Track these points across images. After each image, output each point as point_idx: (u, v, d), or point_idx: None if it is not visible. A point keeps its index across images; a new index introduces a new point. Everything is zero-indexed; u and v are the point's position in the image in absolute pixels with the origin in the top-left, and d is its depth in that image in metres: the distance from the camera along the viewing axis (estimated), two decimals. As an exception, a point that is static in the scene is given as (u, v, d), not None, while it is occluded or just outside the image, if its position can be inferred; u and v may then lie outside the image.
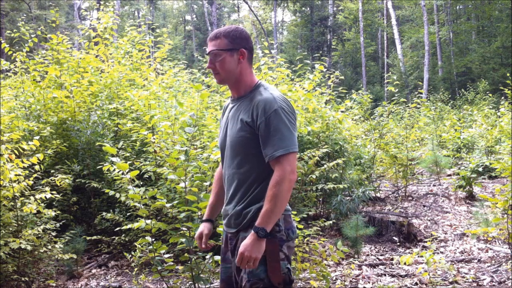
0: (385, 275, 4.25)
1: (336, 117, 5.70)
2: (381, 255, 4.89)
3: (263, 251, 1.87)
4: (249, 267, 1.88)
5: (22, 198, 3.74)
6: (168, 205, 3.12)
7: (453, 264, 4.34)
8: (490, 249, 4.83)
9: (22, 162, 3.64)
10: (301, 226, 3.53)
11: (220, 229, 2.70)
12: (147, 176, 4.54)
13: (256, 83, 2.05)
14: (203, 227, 2.25)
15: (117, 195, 3.80)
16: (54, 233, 3.97)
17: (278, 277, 1.89)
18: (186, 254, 3.07)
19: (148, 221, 3.01)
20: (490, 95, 15.77)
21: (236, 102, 2.06)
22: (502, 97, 14.33)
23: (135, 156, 5.11)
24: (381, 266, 4.49)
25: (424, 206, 6.74)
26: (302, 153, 4.90)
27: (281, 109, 1.91)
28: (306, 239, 3.97)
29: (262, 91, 1.99)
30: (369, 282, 4.07)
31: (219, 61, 1.99)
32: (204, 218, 2.29)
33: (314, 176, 4.95)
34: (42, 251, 3.76)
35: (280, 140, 1.88)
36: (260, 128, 1.91)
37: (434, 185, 8.20)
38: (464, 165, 8.49)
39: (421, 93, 18.88)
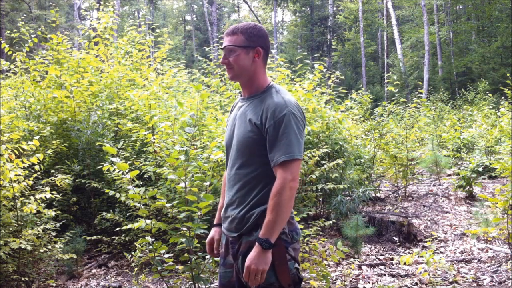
0: (385, 275, 4.25)
1: (336, 117, 5.71)
2: (381, 255, 4.89)
3: (269, 263, 1.83)
4: (256, 281, 1.83)
5: (22, 198, 3.74)
6: (168, 205, 3.12)
7: (453, 264, 4.34)
8: (490, 249, 4.83)
9: (22, 162, 3.64)
10: (301, 226, 3.53)
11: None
12: (147, 176, 4.54)
13: (268, 84, 2.00)
14: (214, 232, 2.21)
15: (117, 195, 3.80)
16: (54, 233, 3.97)
17: (287, 279, 1.88)
18: (186, 254, 3.07)
19: (148, 221, 3.01)
20: (490, 95, 15.78)
21: (246, 101, 2.01)
22: (502, 97, 14.34)
23: (135, 156, 5.10)
24: (381, 266, 4.48)
25: (424, 206, 6.74)
26: (302, 153, 4.89)
27: (291, 114, 1.86)
28: (306, 239, 3.97)
29: (274, 93, 1.94)
30: (369, 282, 4.07)
31: (233, 57, 1.95)
32: (215, 223, 2.24)
33: (314, 176, 4.95)
34: (42, 251, 3.76)
35: (286, 145, 1.84)
36: (268, 131, 1.87)
37: (434, 185, 8.20)
38: (464, 165, 8.49)
39: (421, 93, 18.88)
